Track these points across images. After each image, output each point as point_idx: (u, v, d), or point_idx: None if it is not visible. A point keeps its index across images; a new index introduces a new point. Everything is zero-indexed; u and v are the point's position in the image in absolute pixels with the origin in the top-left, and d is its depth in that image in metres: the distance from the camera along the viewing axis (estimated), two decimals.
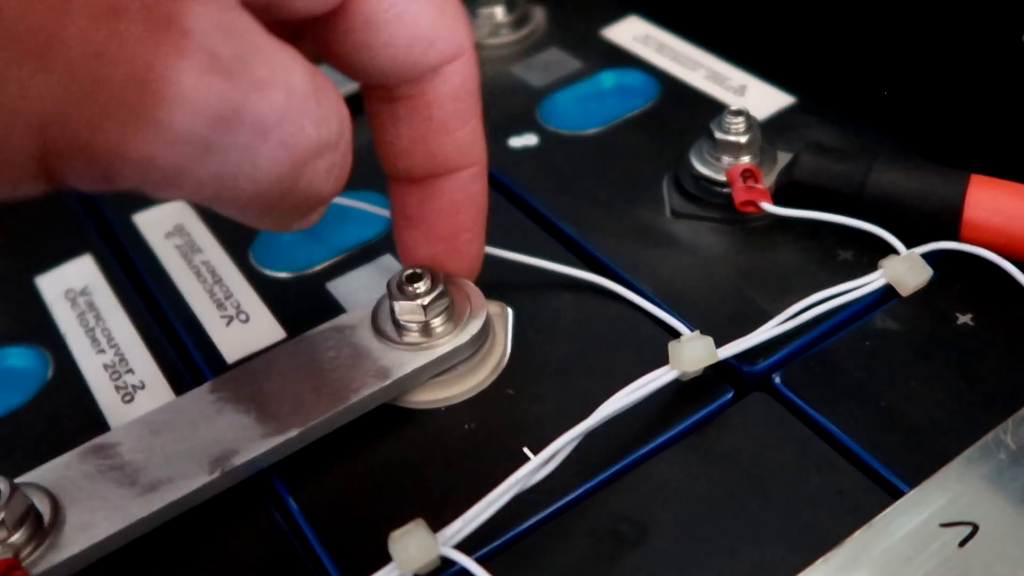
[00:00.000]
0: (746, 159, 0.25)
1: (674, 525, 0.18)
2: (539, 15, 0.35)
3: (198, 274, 0.26)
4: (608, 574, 0.18)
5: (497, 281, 0.23)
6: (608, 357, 0.22)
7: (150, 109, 0.13)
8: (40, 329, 0.25)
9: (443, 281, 0.21)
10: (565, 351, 0.22)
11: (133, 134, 0.13)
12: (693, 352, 0.20)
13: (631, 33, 0.34)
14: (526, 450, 0.20)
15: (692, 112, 0.29)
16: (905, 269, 0.22)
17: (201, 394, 0.21)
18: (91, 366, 0.23)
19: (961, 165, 0.24)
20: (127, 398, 0.22)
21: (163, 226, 0.28)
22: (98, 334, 0.24)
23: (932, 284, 0.22)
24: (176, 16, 0.13)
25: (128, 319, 0.25)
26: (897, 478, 0.18)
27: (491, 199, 0.27)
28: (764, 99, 0.29)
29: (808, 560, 0.17)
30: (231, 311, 0.24)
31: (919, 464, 0.19)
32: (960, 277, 0.23)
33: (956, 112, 0.27)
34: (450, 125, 0.19)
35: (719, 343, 0.20)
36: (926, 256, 0.22)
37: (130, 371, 0.23)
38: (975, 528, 0.17)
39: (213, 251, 0.26)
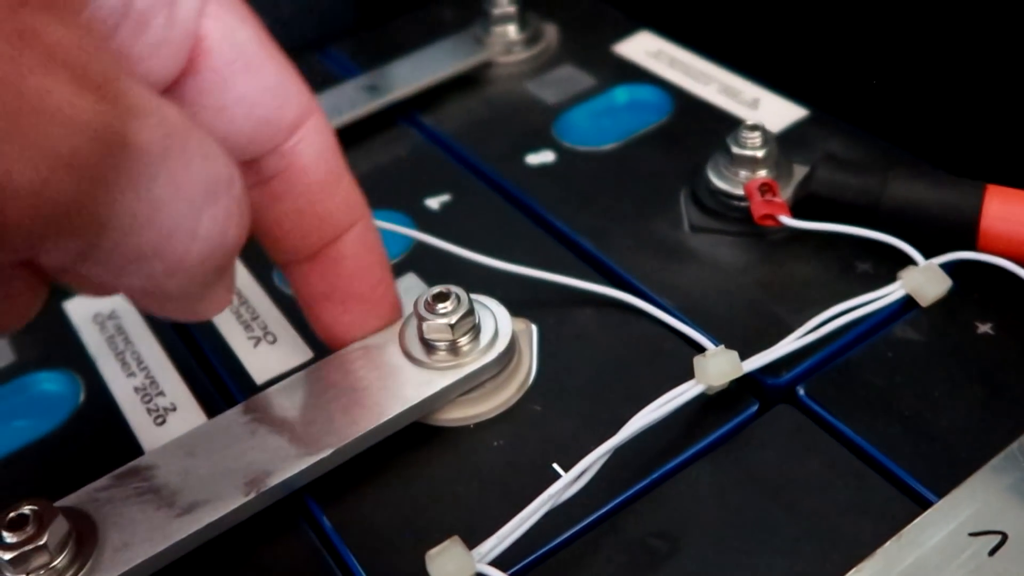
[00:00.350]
0: (763, 173, 0.26)
1: (705, 537, 0.19)
2: (551, 32, 0.36)
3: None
4: None
5: (520, 298, 0.24)
6: (632, 372, 0.22)
7: (29, 129, 0.12)
8: (70, 353, 0.25)
9: (470, 300, 0.22)
10: (590, 367, 0.23)
11: (15, 158, 0.12)
12: (718, 366, 0.20)
13: (643, 48, 0.34)
14: (555, 466, 0.20)
15: (706, 126, 0.30)
16: (924, 280, 0.22)
17: (234, 416, 0.21)
18: (122, 389, 0.24)
19: (973, 175, 0.24)
20: (159, 420, 0.23)
21: None
22: (128, 357, 0.25)
23: (951, 294, 0.22)
24: (36, 29, 0.12)
25: (157, 342, 0.25)
26: (925, 488, 0.19)
27: (509, 216, 0.28)
28: (777, 112, 0.30)
29: (840, 571, 0.17)
30: (258, 332, 0.25)
31: (945, 474, 0.19)
32: (978, 287, 0.23)
33: (970, 122, 0.27)
34: (327, 186, 0.19)
35: (742, 356, 0.21)
36: (944, 266, 0.23)
37: (161, 393, 0.23)
38: (1004, 537, 0.17)
39: (237, 272, 0.27)
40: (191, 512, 0.19)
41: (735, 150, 0.26)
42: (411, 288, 0.25)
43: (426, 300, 0.22)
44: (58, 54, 0.12)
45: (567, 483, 0.18)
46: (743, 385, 0.21)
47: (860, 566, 0.17)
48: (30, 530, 0.18)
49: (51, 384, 0.24)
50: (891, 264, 0.23)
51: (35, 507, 0.18)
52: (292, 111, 0.18)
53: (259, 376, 0.23)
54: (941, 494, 0.18)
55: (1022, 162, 0.25)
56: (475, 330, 0.22)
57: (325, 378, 0.22)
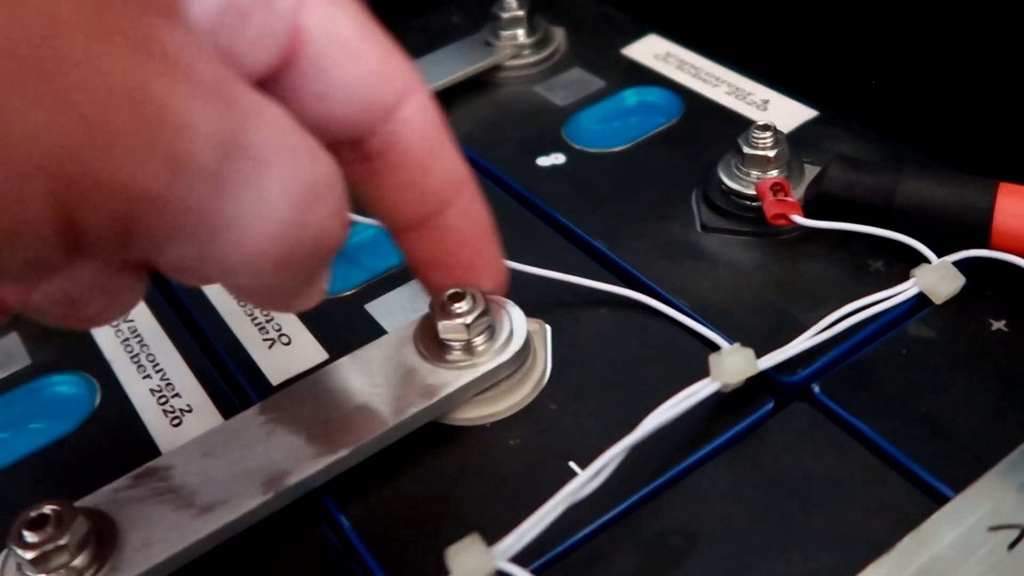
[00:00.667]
0: (774, 173, 0.26)
1: (724, 534, 0.19)
2: (559, 36, 0.36)
3: (238, 298, 0.26)
4: None
5: (532, 299, 0.24)
6: (646, 371, 0.22)
7: (155, 136, 0.12)
8: (85, 356, 0.25)
9: (485, 300, 0.22)
10: (603, 366, 0.23)
11: (144, 164, 0.12)
12: (735, 364, 0.20)
13: (651, 51, 0.34)
14: (572, 464, 0.20)
15: (716, 127, 0.30)
16: (937, 278, 0.22)
17: (251, 416, 0.21)
18: (138, 391, 0.24)
19: (983, 173, 0.24)
20: (175, 421, 0.23)
21: None
22: (143, 360, 0.25)
23: (964, 292, 0.22)
24: (156, 36, 0.12)
25: (171, 344, 0.25)
26: (942, 484, 0.19)
27: (521, 218, 0.28)
28: (787, 113, 0.30)
29: (859, 567, 0.17)
30: (272, 334, 0.25)
31: (962, 469, 0.19)
32: (992, 284, 0.23)
33: (979, 120, 0.27)
34: (428, 162, 0.19)
35: (756, 354, 0.21)
36: (957, 264, 0.23)
37: (177, 395, 0.24)
38: (1023, 531, 0.17)
39: None
40: (210, 512, 0.19)
41: (747, 150, 0.26)
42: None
43: (442, 300, 0.22)
44: (177, 61, 0.12)
45: (585, 480, 0.19)
46: (758, 383, 0.21)
47: (878, 562, 0.17)
48: (51, 530, 0.18)
49: (67, 387, 0.24)
50: (904, 263, 0.23)
51: (55, 507, 0.18)
52: (393, 92, 0.18)
53: (275, 377, 0.24)
54: (958, 489, 0.18)
55: None
56: (490, 330, 0.22)
57: (341, 378, 0.22)
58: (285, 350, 0.24)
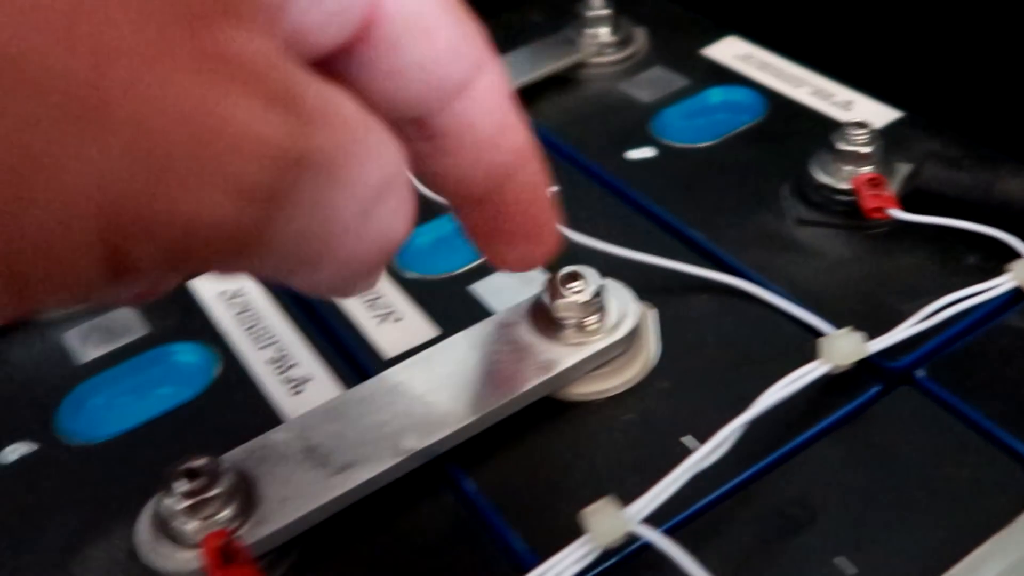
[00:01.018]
0: (868, 169, 0.26)
1: (839, 509, 0.19)
2: (641, 36, 0.37)
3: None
4: (786, 550, 0.19)
5: (636, 284, 0.25)
6: (751, 354, 0.23)
7: (214, 164, 0.11)
8: (202, 327, 0.26)
9: (599, 281, 0.23)
10: (709, 349, 0.23)
11: (200, 193, 0.11)
12: (845, 347, 0.21)
13: (732, 52, 0.35)
14: (685, 440, 0.21)
15: (802, 126, 0.31)
16: None
17: (375, 385, 0.22)
18: (256, 361, 0.25)
19: None
20: (296, 390, 0.24)
21: None
22: (258, 332, 0.26)
23: None
24: (216, 46, 0.11)
25: (284, 318, 0.26)
26: None
27: (616, 208, 0.29)
28: (871, 114, 0.31)
29: (972, 545, 0.18)
30: (382, 311, 0.26)
31: None
32: None
33: None
34: (494, 141, 0.18)
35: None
36: None
37: (294, 365, 0.25)
38: None
39: None
40: (344, 471, 0.20)
41: (841, 146, 0.27)
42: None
43: (557, 280, 0.23)
44: (239, 71, 0.11)
45: (708, 451, 0.19)
46: (862, 368, 0.22)
47: (993, 539, 0.18)
48: (204, 480, 0.19)
49: (187, 355, 0.25)
50: (998, 258, 0.24)
51: (204, 461, 0.19)
52: (465, 70, 0.17)
53: (388, 352, 0.24)
54: None
55: None
56: (602, 310, 0.23)
57: (460, 352, 0.23)
58: (396, 326, 0.25)
